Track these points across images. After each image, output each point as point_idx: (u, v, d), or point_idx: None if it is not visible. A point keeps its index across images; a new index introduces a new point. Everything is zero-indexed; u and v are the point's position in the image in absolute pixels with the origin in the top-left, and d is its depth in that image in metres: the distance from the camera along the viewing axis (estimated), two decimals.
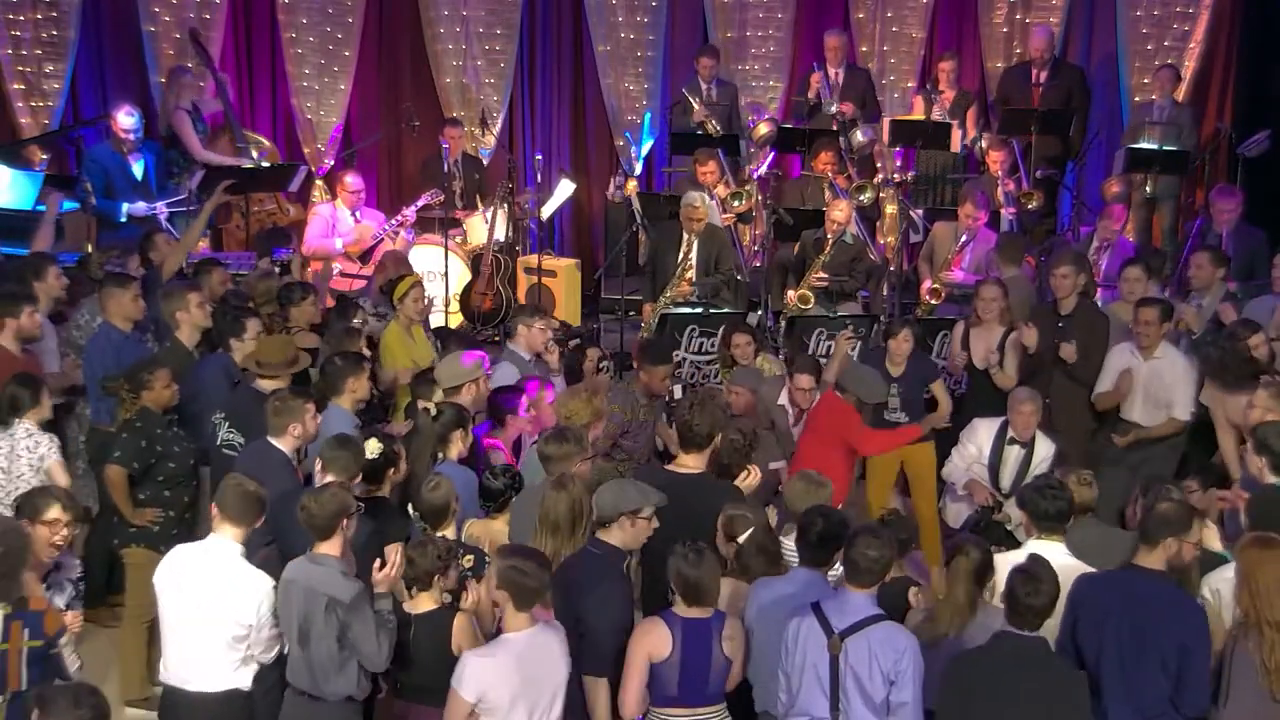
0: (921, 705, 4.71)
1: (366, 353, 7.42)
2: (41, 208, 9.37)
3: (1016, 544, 5.66)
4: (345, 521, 5.09)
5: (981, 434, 7.52)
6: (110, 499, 6.70)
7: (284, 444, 6.08)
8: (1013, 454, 7.39)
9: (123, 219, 9.67)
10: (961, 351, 8.28)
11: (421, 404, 6.66)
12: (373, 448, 5.76)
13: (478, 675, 4.67)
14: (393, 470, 5.88)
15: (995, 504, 7.07)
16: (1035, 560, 4.86)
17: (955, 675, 4.76)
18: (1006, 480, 7.36)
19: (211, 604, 5.09)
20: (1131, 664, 4.86)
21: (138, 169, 9.83)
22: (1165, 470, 7.36)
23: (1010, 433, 7.39)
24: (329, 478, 5.48)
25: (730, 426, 6.13)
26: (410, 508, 5.74)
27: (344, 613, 4.92)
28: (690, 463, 5.85)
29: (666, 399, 7.50)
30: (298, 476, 6.07)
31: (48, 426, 6.66)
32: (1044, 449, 7.37)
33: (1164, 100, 11.33)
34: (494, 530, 5.81)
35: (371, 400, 7.21)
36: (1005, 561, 5.16)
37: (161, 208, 9.83)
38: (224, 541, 5.17)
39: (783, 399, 7.77)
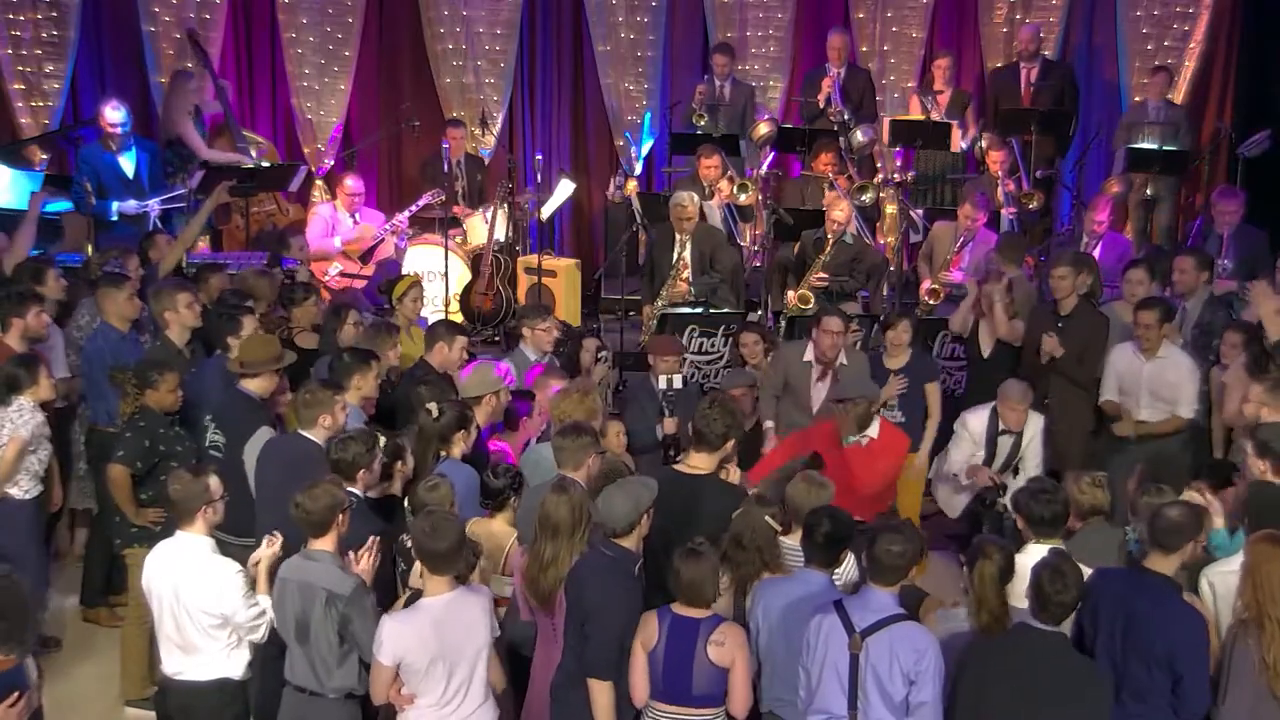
0: (941, 705, 4.71)
1: (398, 349, 7.43)
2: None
3: (1015, 531, 5.65)
4: (340, 518, 5.10)
5: (973, 425, 7.62)
6: (111, 499, 6.71)
7: (315, 435, 6.11)
8: (1005, 442, 7.53)
9: (114, 217, 9.64)
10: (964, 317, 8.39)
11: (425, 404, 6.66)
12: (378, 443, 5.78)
13: (394, 639, 4.81)
14: (400, 464, 5.90)
15: (999, 487, 7.14)
16: (1061, 556, 4.87)
17: (973, 664, 4.77)
18: (997, 465, 7.51)
19: (185, 596, 5.16)
20: (1122, 662, 4.87)
21: (128, 166, 9.73)
22: (1180, 464, 7.36)
23: (1000, 424, 7.52)
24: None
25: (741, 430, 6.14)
26: (407, 504, 5.74)
27: (344, 606, 4.95)
28: (700, 463, 5.85)
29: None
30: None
31: (62, 419, 6.75)
32: (1032, 428, 7.52)
33: (1159, 102, 11.33)
34: (494, 530, 5.81)
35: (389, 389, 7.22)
36: (1024, 563, 5.17)
37: (154, 205, 9.78)
38: (192, 536, 5.24)
39: (808, 355, 7.81)
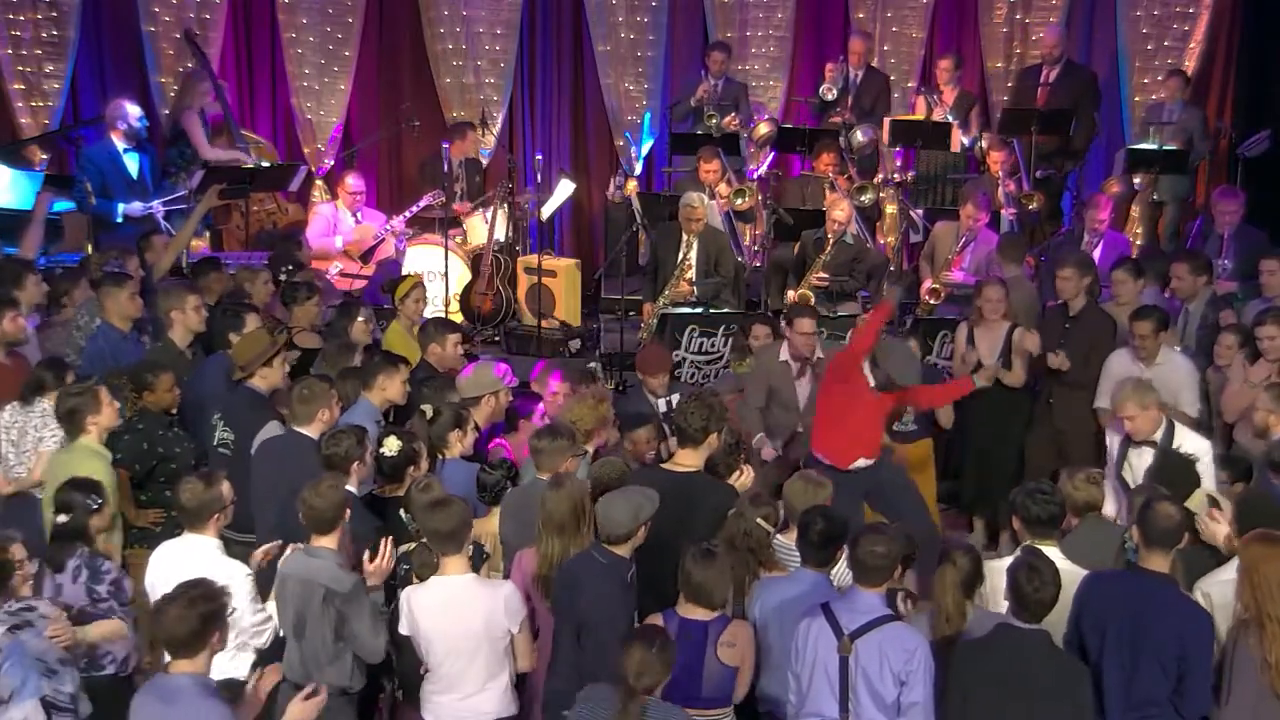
0: (933, 705, 4.71)
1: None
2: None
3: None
4: (345, 516, 5.13)
5: (1109, 441, 6.93)
6: None
7: (312, 430, 6.13)
8: (1140, 458, 6.63)
9: (119, 219, 9.64)
10: (970, 350, 8.25)
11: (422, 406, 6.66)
12: (391, 445, 5.77)
13: (407, 608, 5.02)
14: (413, 468, 5.90)
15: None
16: (1035, 554, 4.88)
17: (958, 666, 4.77)
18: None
19: None
20: (1131, 664, 4.87)
21: (133, 167, 9.75)
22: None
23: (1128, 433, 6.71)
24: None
25: (725, 426, 6.11)
26: (402, 510, 5.75)
27: (341, 604, 4.98)
28: (687, 460, 5.83)
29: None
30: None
31: None
32: (1191, 445, 6.42)
33: (1173, 104, 11.32)
34: (492, 530, 5.81)
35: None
36: (998, 568, 5.20)
37: (158, 207, 9.78)
38: (201, 538, 5.25)
39: (783, 355, 7.74)
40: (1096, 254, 9.51)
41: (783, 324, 7.96)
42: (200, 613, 4.26)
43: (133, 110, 9.72)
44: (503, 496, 5.89)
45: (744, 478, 6.03)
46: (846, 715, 4.74)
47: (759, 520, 5.43)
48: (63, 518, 5.32)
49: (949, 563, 5.05)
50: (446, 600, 4.97)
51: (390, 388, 6.65)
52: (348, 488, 5.46)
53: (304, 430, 6.16)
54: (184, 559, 5.22)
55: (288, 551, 5.25)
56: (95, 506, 5.36)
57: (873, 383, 6.96)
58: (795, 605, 5.00)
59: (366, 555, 5.14)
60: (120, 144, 9.68)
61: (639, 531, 5.12)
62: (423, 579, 5.11)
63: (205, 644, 4.30)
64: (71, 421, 6.12)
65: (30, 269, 7.95)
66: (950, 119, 11.41)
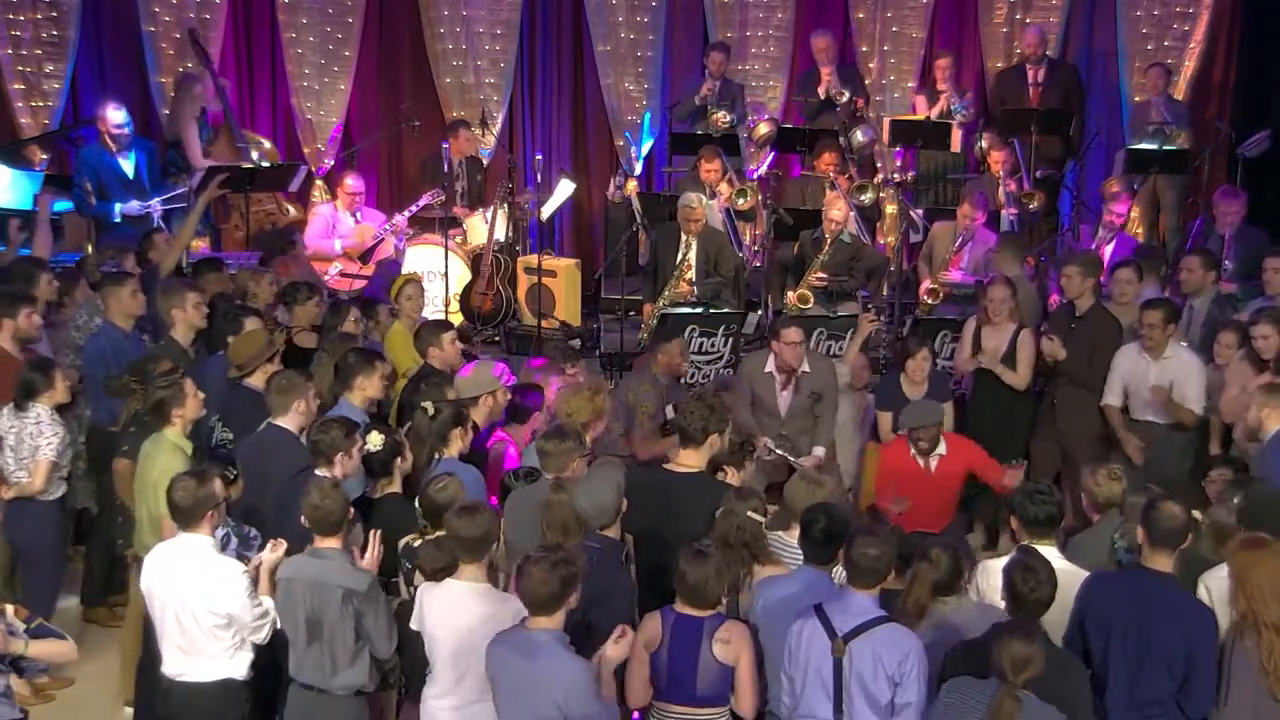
0: (926, 705, 4.71)
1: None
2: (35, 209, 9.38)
3: None
4: (351, 515, 5.15)
5: None
6: (111, 499, 6.71)
7: (289, 423, 6.14)
8: None
9: (117, 219, 9.65)
10: (971, 359, 8.24)
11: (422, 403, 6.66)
12: (374, 440, 5.78)
13: (420, 603, 5.06)
14: (399, 460, 5.91)
15: None
16: (1031, 553, 4.88)
17: (955, 664, 4.76)
18: None
19: (190, 597, 5.14)
20: (1136, 664, 4.87)
21: (128, 167, 9.75)
22: (1181, 468, 7.36)
23: None
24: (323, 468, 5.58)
25: (728, 427, 6.10)
26: (417, 504, 5.76)
27: (360, 602, 5.00)
28: (688, 460, 5.83)
29: (664, 419, 7.41)
30: (307, 455, 6.05)
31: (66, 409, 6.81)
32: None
33: (1159, 98, 11.35)
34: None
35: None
36: (994, 567, 5.19)
37: (156, 205, 9.78)
38: (195, 537, 5.23)
39: (769, 366, 7.74)
40: (1109, 249, 9.50)
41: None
42: (561, 575, 4.54)
43: (112, 117, 9.68)
44: None
45: (728, 478, 5.98)
46: (841, 717, 4.74)
47: (749, 513, 5.41)
48: None
49: (926, 559, 5.04)
50: (454, 603, 4.94)
51: (369, 386, 6.63)
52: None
53: (281, 423, 6.17)
54: (179, 559, 5.21)
55: (274, 552, 5.25)
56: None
57: None
58: (792, 602, 4.99)
59: (355, 551, 5.16)
60: (114, 146, 9.68)
61: (622, 505, 5.18)
62: (426, 576, 5.10)
63: (563, 603, 4.58)
64: (158, 414, 6.14)
65: (44, 267, 8.00)
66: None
